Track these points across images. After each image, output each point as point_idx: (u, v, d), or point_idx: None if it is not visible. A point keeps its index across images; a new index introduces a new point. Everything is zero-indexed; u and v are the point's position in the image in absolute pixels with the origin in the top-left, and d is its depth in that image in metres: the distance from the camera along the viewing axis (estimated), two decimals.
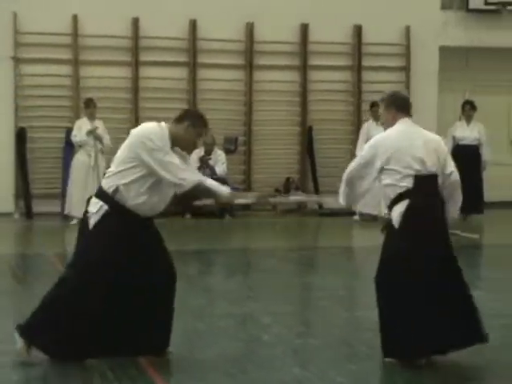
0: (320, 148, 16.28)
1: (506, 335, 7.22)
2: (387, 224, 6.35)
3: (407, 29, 16.58)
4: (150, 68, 15.52)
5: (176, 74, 15.69)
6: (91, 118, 14.40)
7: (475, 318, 6.26)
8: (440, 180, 6.44)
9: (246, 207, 16.05)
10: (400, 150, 6.25)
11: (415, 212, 6.18)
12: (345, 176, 6.44)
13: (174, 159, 5.97)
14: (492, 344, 6.45)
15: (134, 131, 6.21)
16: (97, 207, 6.09)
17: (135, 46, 15.43)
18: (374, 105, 14.21)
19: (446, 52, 16.94)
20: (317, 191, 16.26)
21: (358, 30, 16.35)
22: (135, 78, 15.47)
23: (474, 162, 15.33)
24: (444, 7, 17.06)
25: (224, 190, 6.18)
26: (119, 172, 6.07)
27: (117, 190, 6.02)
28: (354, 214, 14.99)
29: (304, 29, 16.13)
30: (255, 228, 15.06)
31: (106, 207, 6.05)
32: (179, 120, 6.20)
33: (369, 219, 14.56)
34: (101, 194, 6.12)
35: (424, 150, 6.32)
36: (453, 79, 17.32)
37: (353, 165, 6.45)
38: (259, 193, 6.55)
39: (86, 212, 6.15)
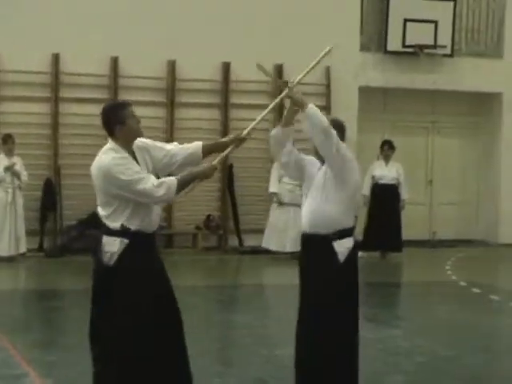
0: (240, 185, 16.33)
1: (419, 372, 7.31)
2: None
3: (327, 69, 16.80)
4: (71, 104, 15.40)
5: (95, 110, 15.35)
6: (9, 153, 14.22)
7: None
8: None
9: (168, 245, 15.98)
10: None
11: None
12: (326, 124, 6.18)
13: (146, 183, 5.71)
14: (406, 381, 6.51)
15: (95, 170, 5.92)
16: (116, 245, 5.76)
17: (55, 81, 15.31)
18: None
19: (365, 92, 17.22)
20: (237, 229, 16.29)
21: (279, 69, 16.47)
22: (55, 114, 15.34)
23: (392, 201, 15.54)
24: (363, 49, 17.34)
25: (201, 167, 6.10)
26: (112, 214, 5.78)
27: (123, 225, 5.76)
28: (269, 252, 15.12)
29: (226, 67, 16.23)
30: (176, 265, 14.98)
31: (125, 241, 5.76)
32: (111, 131, 5.98)
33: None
34: (114, 232, 5.78)
35: None
36: (372, 119, 17.61)
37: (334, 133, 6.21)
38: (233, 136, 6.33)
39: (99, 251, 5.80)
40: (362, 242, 15.90)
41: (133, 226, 5.75)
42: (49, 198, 15.18)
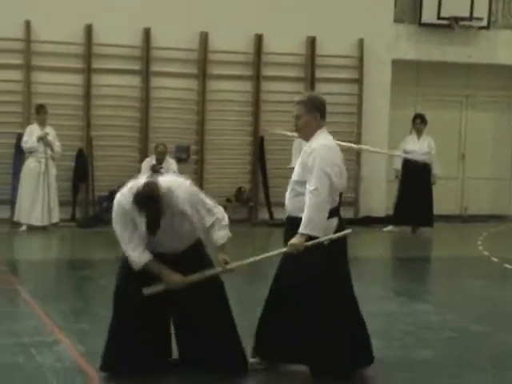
0: (271, 158, 16.34)
1: (451, 347, 7.32)
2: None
3: (360, 41, 16.72)
4: (103, 75, 15.46)
5: (129, 81, 15.65)
6: (42, 124, 14.33)
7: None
8: None
9: None
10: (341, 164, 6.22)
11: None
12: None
13: (125, 239, 6.02)
14: (437, 356, 6.52)
15: None
16: None
17: (88, 52, 15.36)
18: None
19: (398, 65, 17.10)
20: (268, 201, 16.31)
21: (311, 42, 16.45)
22: (87, 85, 15.40)
23: (423, 176, 15.46)
24: (397, 21, 17.21)
25: (174, 275, 6.08)
26: None
27: None
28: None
29: (258, 39, 16.19)
30: None
31: None
32: None
33: None
34: None
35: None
36: (404, 93, 17.50)
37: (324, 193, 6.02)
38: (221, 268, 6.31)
39: None
40: (392, 216, 15.91)
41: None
42: (81, 168, 15.28)
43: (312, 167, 6.02)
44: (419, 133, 15.66)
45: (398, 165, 15.42)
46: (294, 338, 6.12)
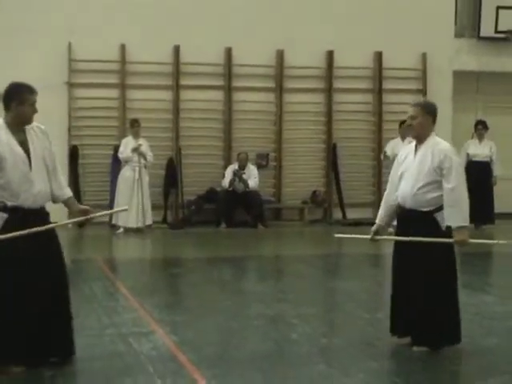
0: (343, 163, 16.26)
1: None
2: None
3: (424, 55, 16.54)
4: (190, 91, 15.58)
5: (213, 96, 15.74)
6: (136, 136, 14.49)
7: None
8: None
9: (277, 218, 16.06)
10: None
11: None
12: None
13: None
14: (501, 343, 6.39)
15: None
16: None
17: (176, 71, 15.50)
18: (402, 123, 14.07)
19: (458, 76, 16.89)
20: (341, 203, 16.23)
21: (378, 56, 16.33)
22: (176, 100, 15.53)
23: (485, 177, 15.27)
24: (457, 35, 17.03)
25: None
26: None
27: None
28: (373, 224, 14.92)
29: (329, 55, 16.14)
30: (285, 237, 15.04)
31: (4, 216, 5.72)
32: (6, 106, 5.79)
33: None
34: None
35: None
36: (465, 101, 17.27)
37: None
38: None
39: None
40: None
41: (9, 199, 5.69)
42: (171, 175, 15.40)
43: (450, 168, 6.22)
44: (481, 137, 15.45)
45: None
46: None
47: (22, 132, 5.83)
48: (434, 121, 6.38)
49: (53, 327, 5.83)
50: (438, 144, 6.32)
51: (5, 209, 5.70)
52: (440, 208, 6.26)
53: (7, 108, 5.80)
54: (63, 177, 6.20)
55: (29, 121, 5.85)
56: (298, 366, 6.09)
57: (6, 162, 5.69)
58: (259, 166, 15.69)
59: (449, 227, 6.26)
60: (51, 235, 5.95)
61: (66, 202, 6.12)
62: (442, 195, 6.24)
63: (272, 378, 5.86)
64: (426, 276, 6.29)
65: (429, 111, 6.36)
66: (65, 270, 6.04)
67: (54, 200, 6.07)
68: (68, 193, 6.10)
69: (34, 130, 5.90)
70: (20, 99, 5.77)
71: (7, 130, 5.77)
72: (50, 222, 5.95)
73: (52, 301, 5.84)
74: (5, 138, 5.74)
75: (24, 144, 5.80)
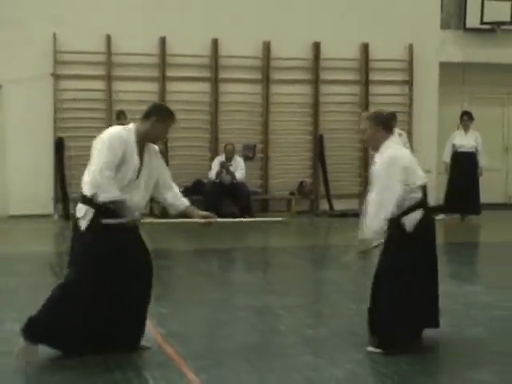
0: (330, 155, 16.26)
1: (501, 325, 7.18)
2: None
3: (410, 46, 16.54)
4: (176, 83, 15.53)
5: (199, 88, 15.70)
6: None
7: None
8: None
9: (264, 209, 16.06)
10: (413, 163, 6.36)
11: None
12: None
13: (101, 173, 5.81)
14: (488, 333, 6.40)
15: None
16: (82, 212, 5.92)
17: (162, 62, 15.46)
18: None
19: (445, 67, 16.90)
20: (328, 194, 16.24)
21: (365, 47, 16.32)
22: (162, 92, 15.49)
23: (471, 168, 15.29)
24: (443, 27, 17.04)
25: (135, 215, 6.05)
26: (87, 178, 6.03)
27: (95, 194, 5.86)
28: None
29: (316, 46, 16.12)
30: (271, 228, 15.04)
31: (92, 211, 5.88)
32: (146, 116, 6.03)
33: None
34: (84, 200, 5.97)
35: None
36: (451, 92, 17.29)
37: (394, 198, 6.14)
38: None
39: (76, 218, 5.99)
40: (443, 205, 15.70)
41: (102, 197, 5.80)
42: None
43: (375, 178, 6.28)
44: (466, 128, 15.46)
45: (447, 158, 15.27)
46: None
47: (143, 145, 6.01)
48: (385, 128, 6.33)
49: (129, 323, 6.09)
50: (383, 153, 6.27)
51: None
52: (407, 212, 6.22)
53: (147, 118, 6.00)
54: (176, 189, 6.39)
55: (156, 140, 6.14)
56: (284, 357, 6.09)
57: (123, 165, 5.87)
58: (246, 158, 15.68)
59: (415, 229, 6.24)
60: (138, 234, 6.24)
61: (185, 211, 6.31)
62: (405, 200, 6.18)
63: (259, 368, 5.86)
64: (374, 277, 6.40)
65: (377, 122, 6.34)
66: (151, 269, 6.33)
67: (172, 210, 6.36)
68: (186, 202, 6.32)
69: (150, 147, 6.12)
70: (162, 118, 6.02)
71: (135, 138, 5.93)
72: (137, 227, 6.23)
73: (136, 297, 6.11)
74: (133, 144, 5.91)
75: (141, 156, 5.97)
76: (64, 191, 14.95)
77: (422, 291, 6.26)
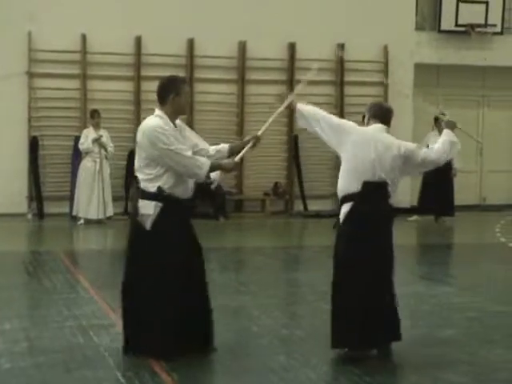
0: (305, 155, 16.29)
1: (473, 326, 7.24)
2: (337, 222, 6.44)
3: (385, 47, 16.62)
4: (151, 82, 15.41)
5: None
6: (96, 127, 14.39)
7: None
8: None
9: (238, 209, 16.07)
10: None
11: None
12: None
13: (185, 156, 5.84)
14: (459, 334, 6.44)
15: (139, 133, 6.01)
16: (151, 208, 5.89)
17: (138, 62, 15.42)
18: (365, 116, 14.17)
19: (419, 69, 17.00)
20: (302, 195, 16.27)
21: (340, 48, 16.35)
22: (137, 92, 15.45)
23: (445, 169, 15.30)
24: (418, 28, 17.15)
25: (226, 161, 6.24)
26: (151, 177, 5.93)
27: (160, 188, 5.87)
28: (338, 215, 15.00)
29: (291, 47, 16.15)
30: (246, 228, 15.05)
31: (160, 205, 5.87)
32: (163, 99, 6.05)
33: None
34: (150, 196, 5.91)
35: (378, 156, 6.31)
36: (426, 93, 17.38)
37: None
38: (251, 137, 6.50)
39: (136, 215, 5.96)
40: (417, 207, 15.79)
41: (168, 190, 5.83)
42: (132, 166, 15.18)
43: None
44: (441, 129, 15.48)
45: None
46: None
47: (175, 125, 6.04)
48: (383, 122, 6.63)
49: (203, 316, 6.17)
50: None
51: (163, 198, 5.84)
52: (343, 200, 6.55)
53: (164, 100, 6.02)
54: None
55: (184, 112, 6.19)
56: (259, 358, 6.10)
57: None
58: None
59: (343, 222, 6.67)
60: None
61: (232, 149, 6.48)
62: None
63: (233, 369, 5.86)
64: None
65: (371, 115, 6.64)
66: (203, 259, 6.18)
67: (220, 156, 6.39)
68: (225, 144, 6.51)
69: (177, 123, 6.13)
70: (178, 91, 6.02)
71: (168, 121, 5.95)
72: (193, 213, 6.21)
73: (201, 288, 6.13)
74: (170, 128, 5.91)
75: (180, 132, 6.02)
76: (38, 190, 14.88)
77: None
